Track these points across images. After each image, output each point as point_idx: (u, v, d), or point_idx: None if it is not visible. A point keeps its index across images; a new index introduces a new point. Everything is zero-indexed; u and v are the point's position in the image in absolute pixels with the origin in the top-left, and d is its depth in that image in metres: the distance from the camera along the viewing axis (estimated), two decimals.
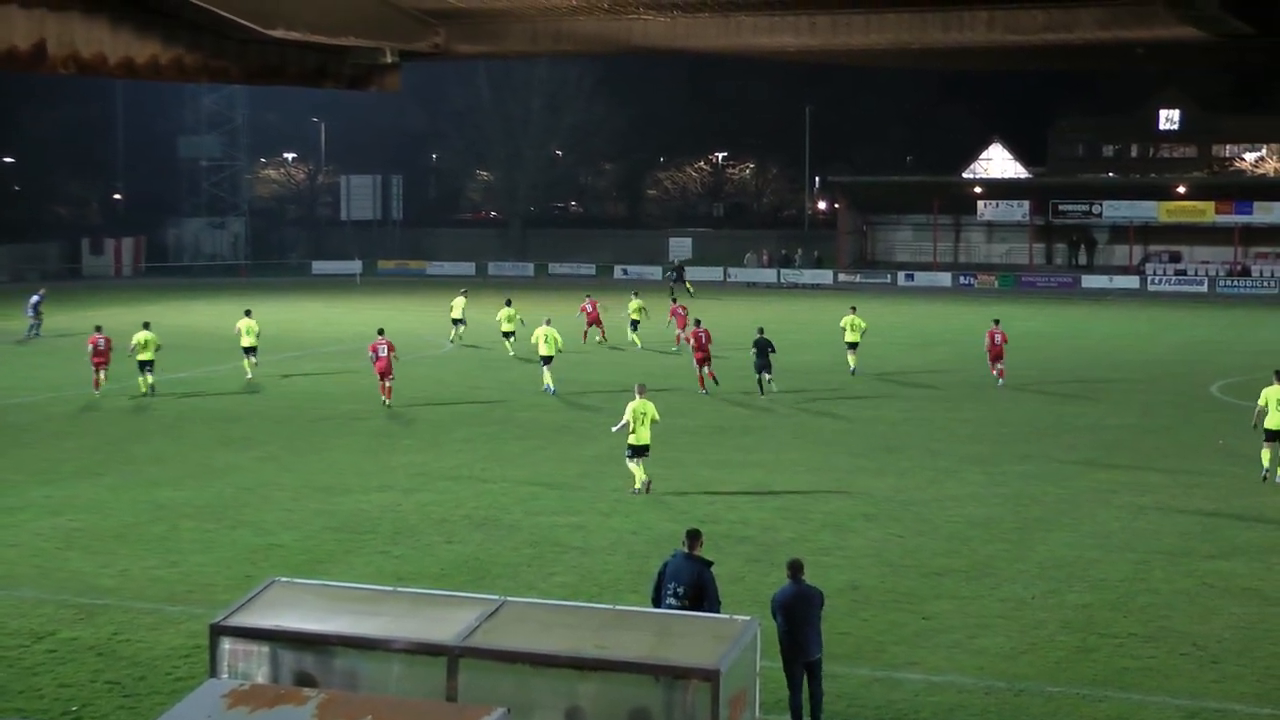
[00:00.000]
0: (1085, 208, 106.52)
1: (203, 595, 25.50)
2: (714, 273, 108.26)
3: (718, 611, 18.58)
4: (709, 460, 37.64)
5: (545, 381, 49.70)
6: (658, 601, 19.26)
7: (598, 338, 63.86)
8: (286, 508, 32.23)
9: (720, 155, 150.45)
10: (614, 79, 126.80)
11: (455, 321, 64.91)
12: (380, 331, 48.20)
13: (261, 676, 15.41)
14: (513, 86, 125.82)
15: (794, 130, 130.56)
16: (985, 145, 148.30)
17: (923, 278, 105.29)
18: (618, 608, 16.79)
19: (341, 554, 28.42)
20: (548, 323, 51.40)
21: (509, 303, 61.73)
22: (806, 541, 29.14)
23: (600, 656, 14.61)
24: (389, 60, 25.90)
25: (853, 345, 54.65)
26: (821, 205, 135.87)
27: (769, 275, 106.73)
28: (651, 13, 25.62)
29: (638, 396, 34.17)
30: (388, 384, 46.41)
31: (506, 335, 60.32)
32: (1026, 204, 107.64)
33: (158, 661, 22.03)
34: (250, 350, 52.96)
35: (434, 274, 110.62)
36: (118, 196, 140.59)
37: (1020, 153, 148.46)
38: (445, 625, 15.29)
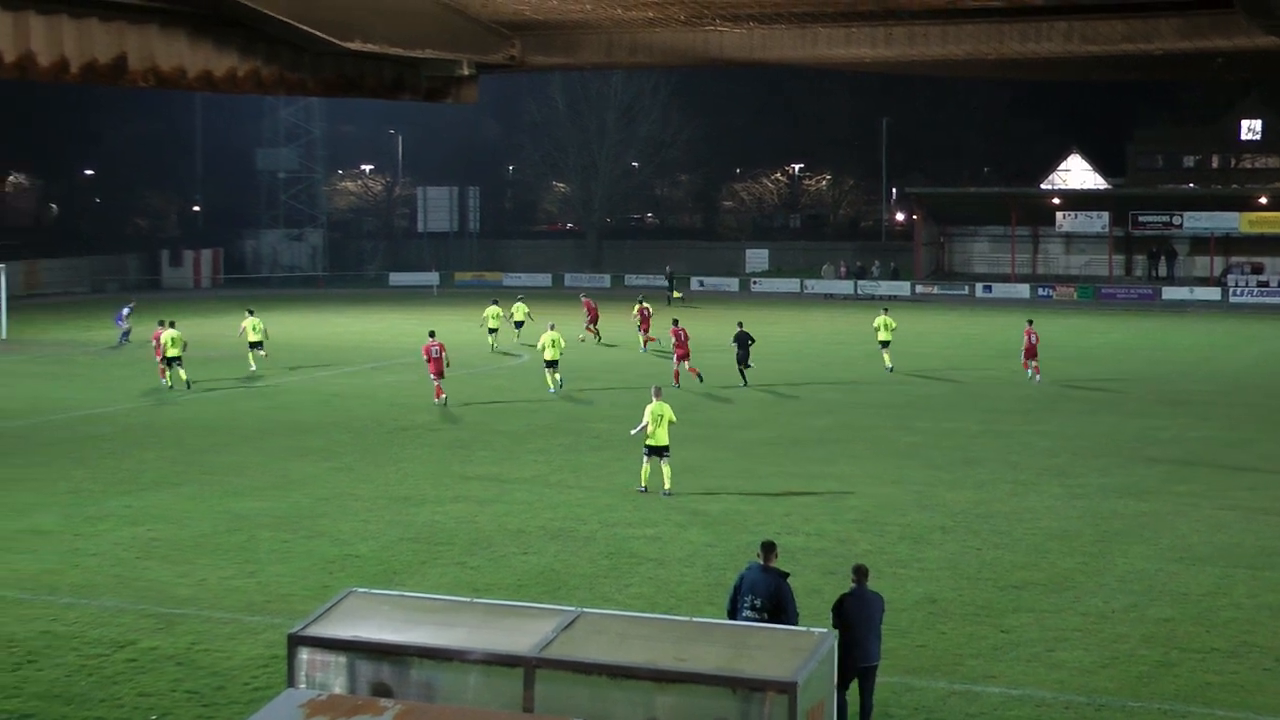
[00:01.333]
0: (1165, 219, 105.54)
1: (280, 605, 25.60)
2: (791, 284, 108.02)
3: (795, 624, 18.51)
4: (785, 472, 37.51)
5: (550, 384, 51.89)
6: (734, 613, 19.21)
7: (581, 337, 66.79)
8: (363, 518, 32.33)
9: (796, 167, 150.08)
10: (689, 90, 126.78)
11: (491, 331, 66.81)
12: (431, 334, 50.14)
13: (339, 687, 15.42)
14: (588, 98, 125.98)
15: (871, 142, 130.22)
16: (1063, 156, 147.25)
17: (1000, 289, 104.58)
18: (695, 619, 16.72)
19: (418, 565, 28.48)
20: (552, 328, 53.18)
21: (495, 302, 67.98)
22: (883, 554, 29.00)
23: (678, 668, 14.53)
24: (465, 72, 25.90)
25: (885, 344, 58.10)
26: (900, 217, 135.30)
27: (846, 287, 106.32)
28: (728, 24, 25.53)
29: (655, 399, 35.00)
30: (439, 384, 48.63)
31: (492, 331, 65.82)
32: (1106, 215, 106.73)
33: (236, 671, 22.13)
34: (256, 345, 57.61)
35: (510, 285, 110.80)
36: (196, 209, 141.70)
37: (1099, 164, 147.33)
38: (522, 636, 15.25)
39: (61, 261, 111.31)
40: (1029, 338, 55.17)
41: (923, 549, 29.50)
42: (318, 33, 21.07)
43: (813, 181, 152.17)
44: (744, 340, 53.97)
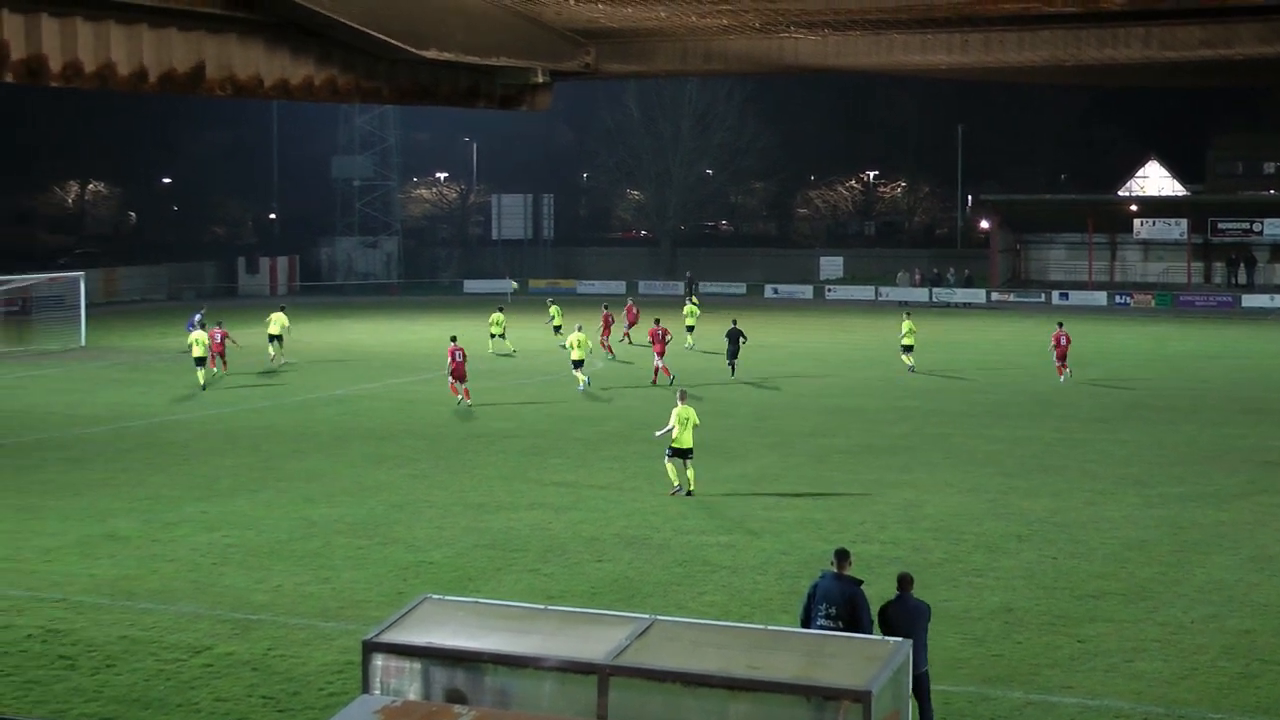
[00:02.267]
0: (1245, 226, 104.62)
1: (355, 611, 25.69)
2: (866, 292, 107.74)
3: (869, 632, 18.44)
4: (860, 480, 37.38)
5: (580, 382, 54.42)
6: (808, 622, 19.13)
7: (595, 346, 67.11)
8: (437, 525, 32.42)
9: (871, 174, 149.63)
10: (763, 97, 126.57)
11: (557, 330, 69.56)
12: (453, 339, 51.99)
13: (413, 693, 15.45)
14: (662, 105, 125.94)
15: (946, 148, 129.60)
16: (1141, 163, 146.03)
17: (1077, 296, 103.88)
18: (769, 627, 16.66)
19: (492, 571, 28.52)
20: (579, 329, 56.13)
21: (500, 309, 71.04)
22: (958, 562, 28.85)
23: (752, 676, 14.48)
24: (540, 80, 25.92)
25: (908, 348, 59.96)
26: (984, 225, 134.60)
27: (921, 294, 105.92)
28: (802, 31, 25.43)
29: (680, 403, 35.77)
30: (463, 386, 50.57)
31: (493, 336, 68.08)
32: (1184, 222, 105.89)
33: (311, 677, 22.22)
34: (275, 338, 62.43)
35: (584, 292, 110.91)
36: (272, 216, 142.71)
37: (1177, 170, 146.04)
38: (596, 644, 15.24)
39: (140, 269, 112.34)
40: (1058, 340, 56.90)
41: (998, 558, 29.32)
42: (394, 41, 21.14)
43: (888, 188, 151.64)
44: (735, 336, 58.20)
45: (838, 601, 18.96)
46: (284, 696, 21.38)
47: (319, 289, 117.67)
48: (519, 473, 38.05)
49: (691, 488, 35.30)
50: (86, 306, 76.05)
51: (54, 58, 18.12)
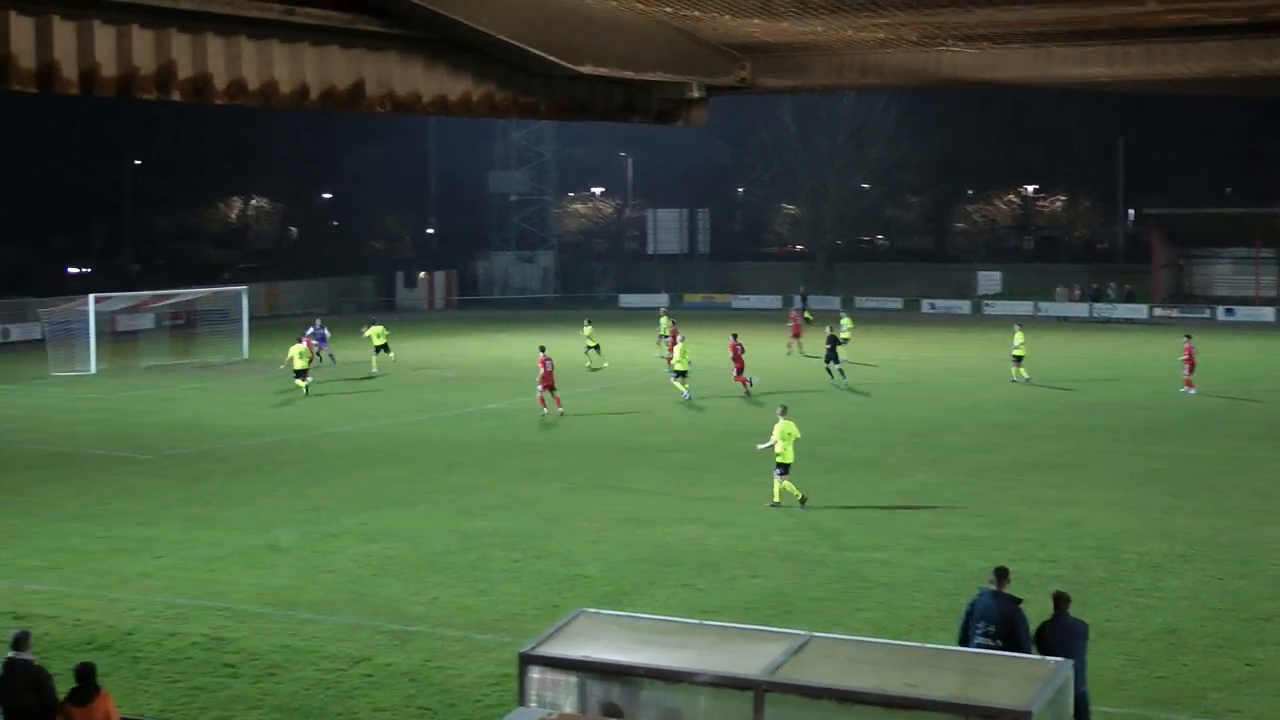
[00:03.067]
0: None
1: (510, 624, 25.83)
2: (1024, 307, 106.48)
3: (1028, 651, 18.19)
4: (1020, 497, 36.96)
5: (682, 390, 55.98)
6: (965, 640, 18.93)
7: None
8: (592, 539, 32.51)
9: (1030, 188, 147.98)
10: (920, 111, 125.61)
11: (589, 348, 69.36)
12: (542, 349, 53.65)
13: (569, 706, 15.48)
14: (818, 119, 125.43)
15: (1106, 162, 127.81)
16: None
17: (1244, 312, 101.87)
18: (927, 645, 16.50)
19: (646, 586, 28.54)
20: (682, 340, 59.73)
21: (589, 322, 71.48)
22: (1120, 582, 28.42)
23: (909, 695, 14.35)
24: (695, 94, 25.90)
25: (1018, 359, 61.30)
26: (1154, 239, 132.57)
27: (1081, 310, 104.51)
28: (960, 44, 25.20)
29: (781, 418, 36.20)
30: (555, 395, 52.19)
31: (590, 349, 69.39)
32: None
33: (467, 689, 22.36)
34: (381, 348, 65.40)
35: (740, 307, 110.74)
36: (430, 231, 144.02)
37: None
38: (751, 659, 15.19)
39: (300, 283, 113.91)
40: (1188, 352, 57.30)
41: (1162, 578, 28.84)
42: (551, 57, 21.23)
43: (1047, 202, 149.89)
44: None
45: (996, 620, 18.74)
46: (441, 708, 21.53)
47: (476, 303, 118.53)
48: (673, 487, 38.08)
49: (777, 499, 35.78)
50: (249, 320, 77.24)
51: (219, 76, 18.40)
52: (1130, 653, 23.93)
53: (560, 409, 51.69)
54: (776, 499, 35.72)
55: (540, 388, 52.18)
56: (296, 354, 58.01)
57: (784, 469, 35.74)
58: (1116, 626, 25.23)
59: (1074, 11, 22.12)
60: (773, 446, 35.96)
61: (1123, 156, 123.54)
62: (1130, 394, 57.24)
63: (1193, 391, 56.49)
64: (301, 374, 57.91)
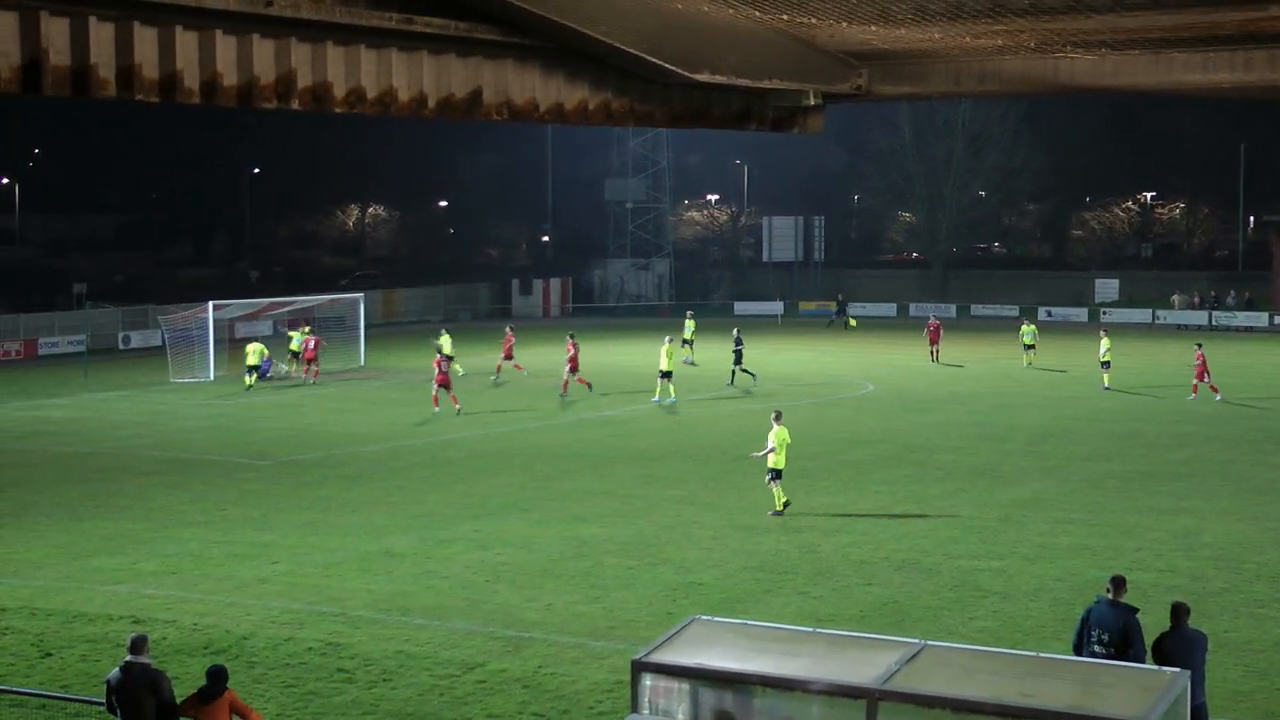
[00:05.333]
0: None
1: (624, 631, 25.87)
2: (1142, 315, 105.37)
3: (1144, 661, 18.02)
4: (1137, 506, 36.58)
5: (665, 394, 57.09)
6: (1080, 649, 18.78)
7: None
8: (706, 546, 32.51)
9: (1148, 195, 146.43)
10: (1038, 118, 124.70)
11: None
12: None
13: (682, 714, 15.50)
14: (934, 127, 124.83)
15: (1227, 168, 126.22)
16: None
17: None
18: (1042, 655, 16.39)
19: (760, 593, 28.51)
20: (669, 341, 58.57)
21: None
22: (1239, 593, 28.07)
23: (1024, 704, 14.25)
24: (812, 102, 25.87)
25: (1105, 364, 61.44)
26: (1275, 246, 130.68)
27: (1199, 317, 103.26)
28: (1079, 51, 25.00)
29: (775, 424, 36.03)
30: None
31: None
32: None
33: (581, 695, 22.42)
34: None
35: (855, 315, 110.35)
36: (546, 238, 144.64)
37: None
38: (865, 668, 15.15)
39: (417, 290, 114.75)
40: (1200, 360, 57.69)
41: None
42: (667, 65, 21.30)
43: (1165, 210, 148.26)
44: (738, 342, 63.49)
45: (1111, 629, 18.58)
46: (554, 715, 21.60)
47: (591, 310, 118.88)
48: (788, 494, 38.01)
49: (779, 507, 35.84)
50: (366, 327, 77.89)
51: (338, 85, 18.62)
52: (1250, 664, 23.63)
53: (455, 407, 54.08)
54: (779, 506, 35.83)
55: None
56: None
57: (776, 474, 35.83)
58: (1235, 637, 24.92)
59: (1195, 17, 21.89)
60: (770, 453, 35.94)
61: (1243, 162, 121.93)
62: (1250, 403, 56.47)
63: (1201, 397, 57.09)
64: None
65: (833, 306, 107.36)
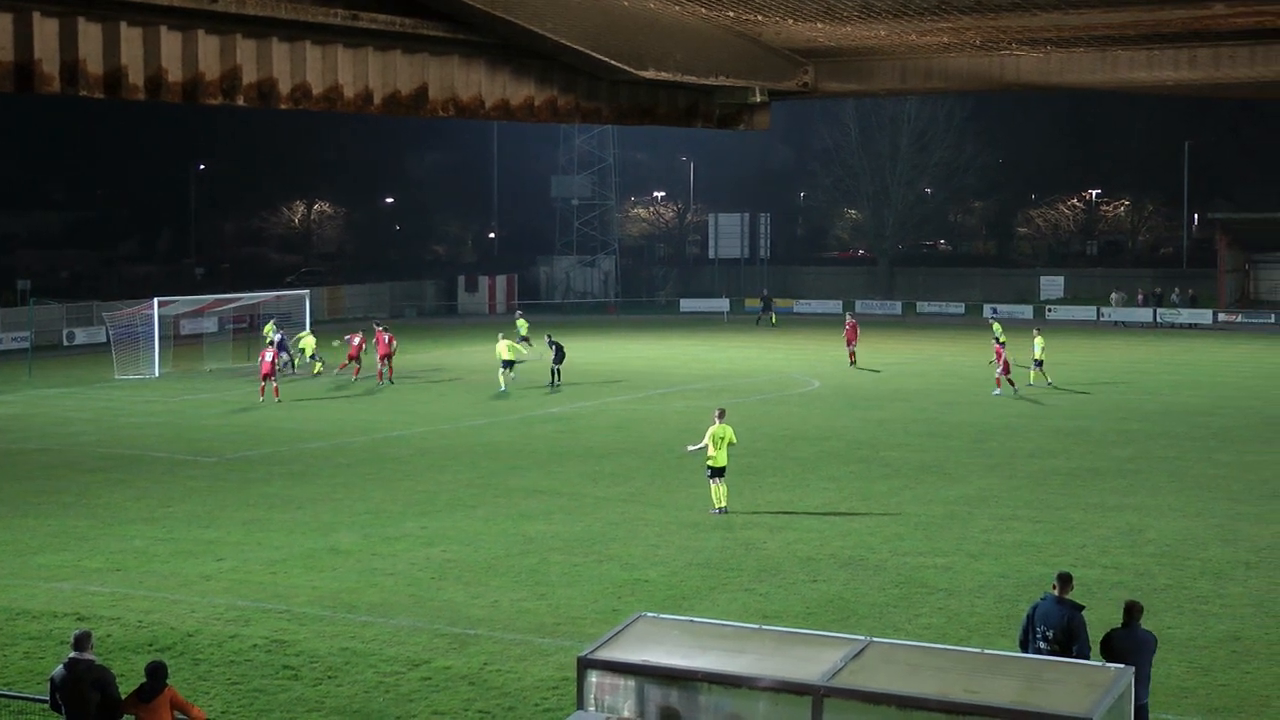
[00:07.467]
0: None
1: (570, 628, 25.87)
2: (1087, 312, 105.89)
3: (1088, 658, 18.11)
4: (1082, 502, 36.77)
5: (501, 383, 59.28)
6: (1025, 645, 18.87)
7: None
8: (652, 543, 32.52)
9: (1094, 192, 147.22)
10: (983, 115, 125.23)
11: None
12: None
13: (628, 711, 15.51)
14: (880, 124, 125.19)
15: (1171, 166, 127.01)
16: None
17: None
18: (987, 651, 16.45)
19: (706, 590, 28.54)
20: (503, 337, 61.46)
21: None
22: (1183, 589, 28.24)
23: (970, 701, 14.32)
24: (758, 99, 25.86)
25: (1039, 363, 60.99)
26: (1219, 244, 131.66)
27: (1144, 315, 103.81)
28: (1025, 48, 25.06)
29: (717, 421, 35.85)
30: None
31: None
32: None
33: (526, 692, 22.40)
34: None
35: (801, 312, 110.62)
36: (492, 235, 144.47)
37: None
38: (811, 665, 15.18)
39: (363, 287, 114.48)
40: (1000, 354, 58.53)
41: (1225, 585, 28.64)
42: (614, 61, 21.26)
43: (1110, 207, 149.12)
44: (558, 348, 62.75)
45: (1056, 625, 18.66)
46: (499, 711, 21.58)
47: (537, 307, 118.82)
48: (734, 492, 37.98)
49: (724, 504, 35.66)
50: (311, 324, 77.61)
51: (284, 81, 18.51)
52: (1192, 660, 23.78)
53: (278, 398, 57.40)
54: (720, 504, 35.65)
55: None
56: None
57: (715, 473, 35.62)
58: (1179, 634, 25.07)
59: (1140, 14, 21.96)
60: (705, 449, 35.76)
61: (1187, 160, 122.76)
62: (1193, 400, 56.84)
63: (998, 392, 58.17)
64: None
65: (783, 303, 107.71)
